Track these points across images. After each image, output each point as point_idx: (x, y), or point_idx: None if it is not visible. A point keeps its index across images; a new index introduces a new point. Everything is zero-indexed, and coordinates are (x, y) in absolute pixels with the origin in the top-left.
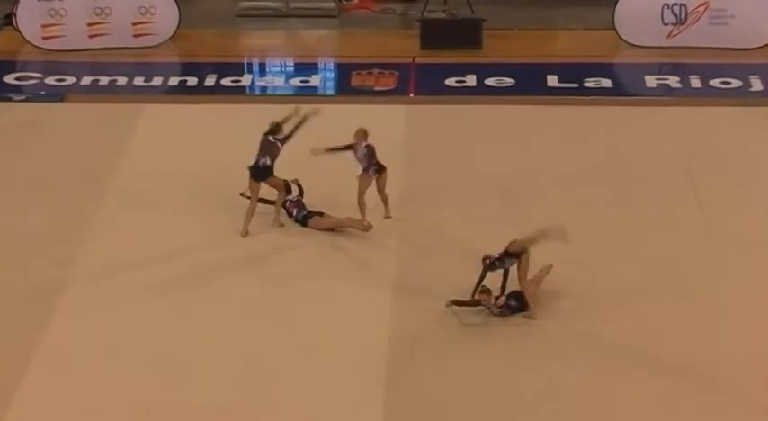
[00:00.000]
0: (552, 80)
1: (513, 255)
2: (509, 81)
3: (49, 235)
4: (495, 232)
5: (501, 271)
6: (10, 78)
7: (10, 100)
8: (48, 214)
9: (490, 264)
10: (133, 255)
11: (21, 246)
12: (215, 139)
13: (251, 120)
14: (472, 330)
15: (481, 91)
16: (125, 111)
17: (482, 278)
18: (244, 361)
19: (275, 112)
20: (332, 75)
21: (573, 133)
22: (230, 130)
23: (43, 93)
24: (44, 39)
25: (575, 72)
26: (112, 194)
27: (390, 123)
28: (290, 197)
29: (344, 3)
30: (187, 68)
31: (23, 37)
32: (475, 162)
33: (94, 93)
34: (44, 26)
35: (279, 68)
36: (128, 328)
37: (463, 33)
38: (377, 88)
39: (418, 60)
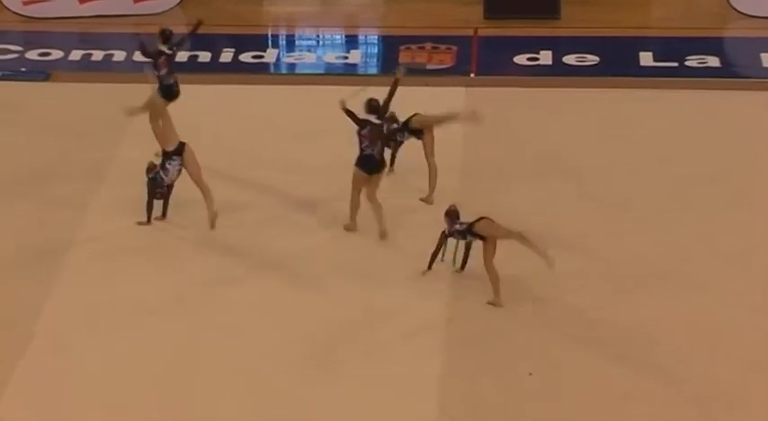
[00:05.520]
0: (646, 58)
1: (478, 235)
2: (593, 59)
3: (31, 242)
4: (568, 240)
5: (463, 243)
6: None
7: None
8: (28, 217)
9: (448, 234)
10: (129, 264)
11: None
12: (232, 127)
13: (275, 104)
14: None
15: (558, 71)
16: (122, 92)
17: (438, 249)
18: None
19: (305, 95)
20: (376, 50)
21: (671, 122)
22: (250, 116)
23: (24, 70)
24: (25, 4)
25: (674, 48)
26: (106, 193)
27: (446, 109)
28: None
29: None
30: (198, 41)
31: (0, 1)
32: (549, 156)
33: (86, 70)
34: None
35: (310, 42)
36: (121, 357)
37: None
38: (430, 66)
39: (481, 32)
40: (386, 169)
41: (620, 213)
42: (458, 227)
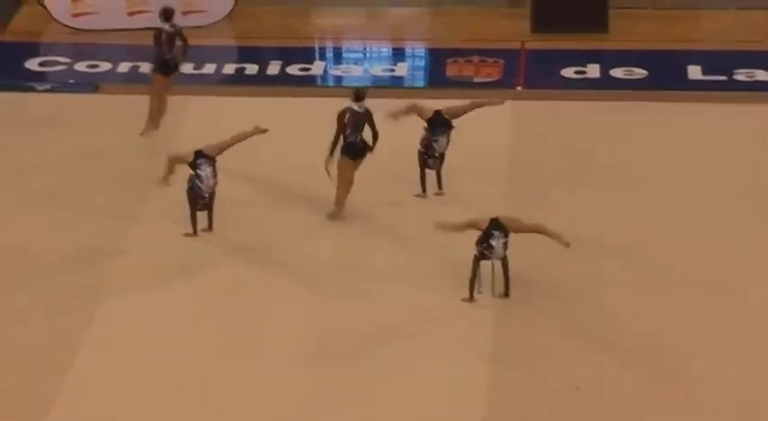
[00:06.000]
0: (695, 71)
1: (497, 228)
2: (641, 72)
3: (73, 256)
4: (613, 250)
5: (499, 263)
6: (33, 63)
7: (32, 90)
8: (76, 228)
9: (480, 256)
10: (173, 276)
11: (39, 271)
12: (278, 140)
13: (322, 117)
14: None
15: (606, 84)
16: (170, 104)
17: (474, 274)
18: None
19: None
20: (422, 63)
21: (720, 137)
22: (297, 129)
23: (72, 81)
24: (74, 16)
25: (723, 62)
26: (152, 206)
27: (493, 122)
28: None
29: None
30: (245, 53)
31: (49, 13)
32: (596, 171)
33: (133, 82)
34: (74, 0)
35: (357, 54)
36: (165, 365)
37: (585, 12)
38: (477, 79)
39: (528, 46)
40: (370, 152)
41: (667, 224)
42: (486, 251)
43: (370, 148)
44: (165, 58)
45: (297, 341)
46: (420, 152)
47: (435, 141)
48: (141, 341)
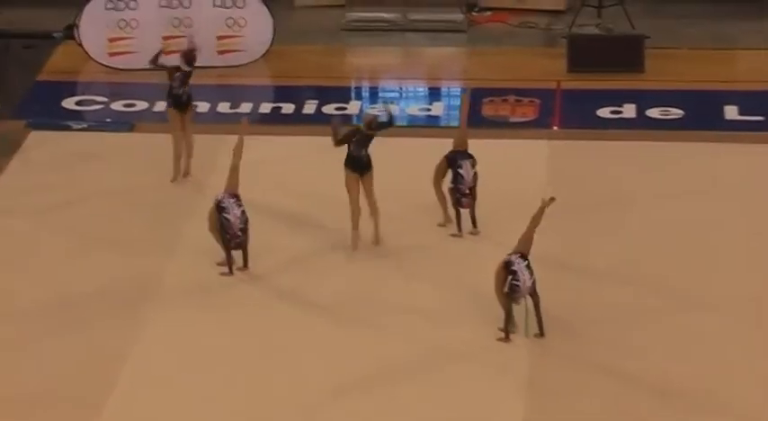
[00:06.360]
0: (731, 111)
1: (511, 254)
2: (677, 112)
3: (108, 293)
4: (651, 295)
5: (530, 300)
6: (69, 102)
7: (68, 128)
8: (113, 264)
9: (510, 290)
10: (209, 319)
11: (73, 307)
12: (315, 178)
13: None
14: None
15: (642, 124)
16: (206, 143)
17: (508, 314)
18: None
19: (388, 146)
20: (458, 102)
21: (758, 177)
22: (333, 167)
23: (109, 120)
24: (111, 55)
25: (760, 102)
26: (188, 244)
27: (529, 162)
28: None
29: (474, 14)
30: (282, 92)
31: (86, 53)
32: (634, 212)
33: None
34: (111, 40)
35: (393, 94)
36: (197, 404)
37: (621, 53)
38: (513, 119)
39: (564, 85)
40: (372, 169)
41: (706, 264)
42: (514, 281)
43: (372, 166)
44: (177, 93)
45: (335, 376)
46: (451, 190)
47: (461, 167)
48: (175, 380)
